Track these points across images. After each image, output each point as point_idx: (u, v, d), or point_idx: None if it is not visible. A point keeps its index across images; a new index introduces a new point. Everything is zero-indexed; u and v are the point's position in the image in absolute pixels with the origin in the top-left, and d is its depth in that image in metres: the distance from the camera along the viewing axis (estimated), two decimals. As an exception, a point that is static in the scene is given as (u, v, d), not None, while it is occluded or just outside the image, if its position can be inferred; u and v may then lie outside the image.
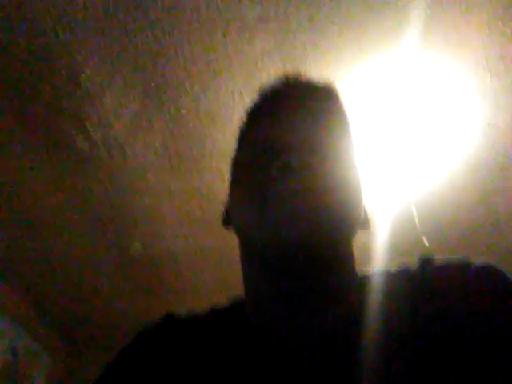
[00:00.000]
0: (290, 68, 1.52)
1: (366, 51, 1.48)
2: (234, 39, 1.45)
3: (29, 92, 1.57)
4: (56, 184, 1.91)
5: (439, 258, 0.55)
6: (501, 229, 2.14)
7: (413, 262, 0.56)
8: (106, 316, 2.69)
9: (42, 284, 2.44)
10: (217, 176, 1.88)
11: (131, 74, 1.54)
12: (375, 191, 1.90)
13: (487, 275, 0.50)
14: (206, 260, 2.30)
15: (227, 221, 0.63)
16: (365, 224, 0.60)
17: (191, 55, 1.49)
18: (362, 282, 0.56)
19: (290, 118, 0.56)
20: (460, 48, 1.48)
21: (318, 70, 1.52)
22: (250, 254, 0.57)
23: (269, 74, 1.53)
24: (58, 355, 2.82)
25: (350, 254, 0.58)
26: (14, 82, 1.54)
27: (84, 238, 2.17)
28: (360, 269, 0.59)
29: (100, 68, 1.52)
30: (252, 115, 0.63)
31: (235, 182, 0.60)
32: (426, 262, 0.55)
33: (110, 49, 1.47)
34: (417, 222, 1.96)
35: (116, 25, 1.40)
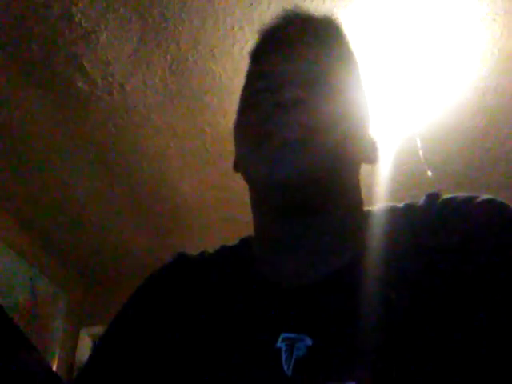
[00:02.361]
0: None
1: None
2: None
3: (20, 30, 1.52)
4: (57, 125, 1.89)
5: (445, 194, 0.55)
6: (509, 160, 2.10)
7: (417, 197, 0.57)
8: (119, 256, 2.76)
9: (56, 227, 2.49)
10: (219, 112, 1.85)
11: (127, 8, 1.48)
12: (378, 122, 1.87)
13: (491, 209, 0.50)
14: (212, 199, 2.32)
15: (237, 165, 0.63)
16: (371, 158, 0.60)
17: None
18: (367, 218, 0.56)
19: (289, 55, 0.56)
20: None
21: (321, -3, 1.45)
22: (255, 193, 0.58)
23: (269, 4, 1.47)
24: (75, 296, 2.94)
25: (354, 190, 0.57)
26: (4, 20, 1.48)
27: (91, 178, 2.18)
28: (365, 205, 0.60)
29: (94, 2, 1.45)
30: (251, 53, 0.62)
31: (238, 123, 0.60)
32: (430, 198, 0.55)
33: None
34: (421, 154, 1.94)
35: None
